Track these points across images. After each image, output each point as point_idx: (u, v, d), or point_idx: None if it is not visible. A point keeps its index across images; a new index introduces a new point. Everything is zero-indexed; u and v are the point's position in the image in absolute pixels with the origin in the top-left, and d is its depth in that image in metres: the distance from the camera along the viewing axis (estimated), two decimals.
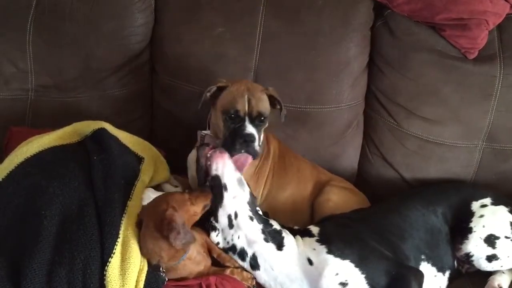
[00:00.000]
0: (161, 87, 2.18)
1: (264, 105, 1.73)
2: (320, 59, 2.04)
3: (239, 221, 1.60)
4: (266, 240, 1.61)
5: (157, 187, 1.80)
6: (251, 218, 1.62)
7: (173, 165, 1.95)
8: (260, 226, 1.63)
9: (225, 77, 1.79)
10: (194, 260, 1.55)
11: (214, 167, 1.60)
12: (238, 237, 1.60)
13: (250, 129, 1.67)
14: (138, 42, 2.13)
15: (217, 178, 1.60)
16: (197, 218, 1.53)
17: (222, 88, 1.75)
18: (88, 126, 1.76)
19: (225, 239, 1.61)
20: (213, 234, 1.61)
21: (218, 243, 1.62)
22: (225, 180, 1.60)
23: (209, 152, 1.61)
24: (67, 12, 2.07)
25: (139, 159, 1.79)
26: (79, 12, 2.07)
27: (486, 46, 2.01)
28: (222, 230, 1.61)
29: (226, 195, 1.59)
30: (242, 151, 1.67)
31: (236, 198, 1.61)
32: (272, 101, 1.79)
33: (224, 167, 1.60)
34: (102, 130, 1.73)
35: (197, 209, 1.51)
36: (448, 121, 2.04)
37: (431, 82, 2.02)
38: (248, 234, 1.61)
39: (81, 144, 1.71)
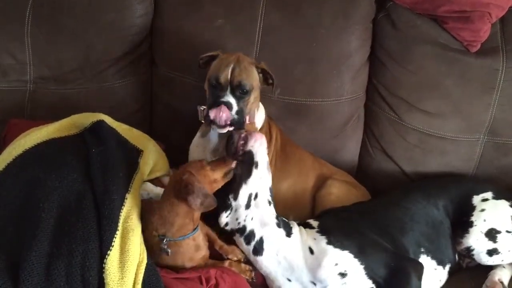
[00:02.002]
0: (160, 79, 2.17)
1: (248, 76, 1.71)
2: (321, 52, 2.02)
3: (258, 201, 1.60)
4: (278, 225, 1.62)
5: (156, 180, 1.79)
6: (269, 203, 1.63)
7: (172, 158, 1.94)
8: (275, 213, 1.64)
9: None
10: (196, 243, 1.56)
11: (251, 143, 1.60)
12: (252, 219, 1.60)
13: (229, 98, 1.67)
14: (138, 33, 2.11)
15: (250, 154, 1.59)
16: (218, 186, 1.54)
17: (214, 57, 1.77)
18: (86, 118, 1.75)
19: (236, 219, 1.60)
20: (224, 215, 1.60)
21: (226, 224, 1.61)
22: (258, 158, 1.60)
23: (246, 133, 1.63)
24: (66, 3, 2.05)
25: (138, 152, 1.78)
26: (78, 3, 2.05)
27: (488, 39, 1.99)
28: (236, 209, 1.59)
29: (255, 172, 1.59)
30: (222, 119, 1.66)
31: (262, 180, 1.61)
32: (265, 76, 1.79)
33: (260, 146, 1.61)
34: (101, 123, 1.72)
35: (217, 175, 1.52)
36: (449, 115, 2.03)
37: (433, 75, 2.00)
38: (263, 215, 1.60)
39: (80, 137, 1.70)
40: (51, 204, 1.44)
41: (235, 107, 1.67)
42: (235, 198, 1.59)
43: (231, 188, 1.58)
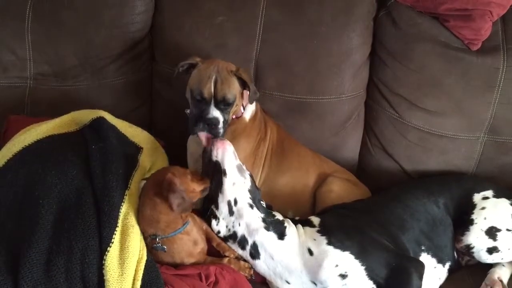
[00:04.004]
0: (161, 75, 2.16)
1: (230, 89, 1.72)
2: (322, 49, 2.01)
3: (239, 208, 1.61)
4: (267, 228, 1.61)
5: None
6: (251, 206, 1.63)
7: (172, 155, 1.94)
8: (261, 215, 1.63)
9: (199, 56, 1.80)
10: (192, 237, 1.56)
11: (214, 153, 1.63)
12: (239, 224, 1.61)
13: (214, 113, 1.69)
14: (138, 30, 2.11)
15: (217, 164, 1.62)
16: (195, 197, 1.55)
17: (194, 65, 1.77)
18: (86, 115, 1.76)
19: (226, 226, 1.62)
20: (214, 223, 1.61)
21: (219, 232, 1.62)
22: (225, 166, 1.62)
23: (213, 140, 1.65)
24: None
25: (138, 149, 1.79)
26: (79, 0, 2.05)
27: (489, 38, 1.99)
28: (223, 218, 1.61)
29: (225, 180, 1.61)
30: (205, 131, 1.69)
31: (236, 185, 1.62)
32: (243, 82, 1.77)
33: (224, 153, 1.63)
34: (101, 119, 1.72)
35: (196, 187, 1.54)
36: (450, 113, 2.02)
37: (434, 73, 2.00)
38: (248, 222, 1.61)
39: (80, 133, 1.70)
40: (51, 200, 1.44)
41: (221, 120, 1.69)
42: (217, 208, 1.61)
43: (212, 199, 1.62)
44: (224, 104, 1.71)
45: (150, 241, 1.50)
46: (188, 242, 1.55)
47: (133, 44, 2.12)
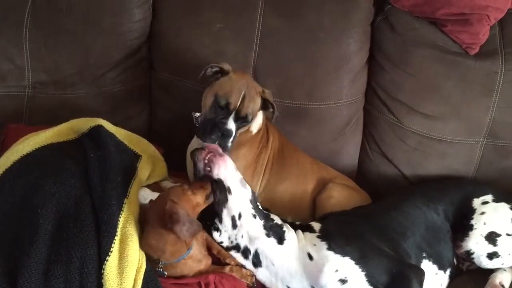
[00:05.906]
0: (159, 83, 2.17)
1: (254, 109, 1.74)
2: (320, 55, 2.02)
3: (243, 221, 1.60)
4: (267, 235, 1.61)
5: (155, 185, 1.79)
6: (254, 216, 1.62)
7: (172, 163, 1.94)
8: (262, 222, 1.63)
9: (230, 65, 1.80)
10: (195, 259, 1.55)
11: (216, 171, 1.59)
12: (242, 236, 1.60)
13: (231, 125, 1.68)
14: (136, 38, 2.11)
15: (220, 182, 1.59)
16: (200, 209, 1.53)
17: (224, 72, 1.76)
18: (85, 123, 1.75)
19: (229, 238, 1.61)
20: (216, 234, 1.61)
21: (221, 242, 1.62)
22: (229, 183, 1.60)
23: (209, 155, 1.60)
24: (65, 7, 2.05)
25: (137, 157, 1.78)
26: (77, 8, 2.05)
27: (487, 42, 2.00)
28: (226, 230, 1.61)
29: (230, 198, 1.59)
30: (216, 142, 1.68)
31: (240, 199, 1.61)
32: (266, 104, 1.80)
33: (226, 169, 1.60)
34: (99, 127, 1.71)
35: (199, 199, 1.52)
36: (449, 118, 2.03)
37: (432, 78, 2.00)
38: (250, 231, 1.60)
39: (78, 141, 1.70)
40: (49, 209, 1.43)
41: (233, 135, 1.69)
42: (221, 222, 1.60)
43: (215, 211, 1.60)
44: (243, 121, 1.72)
45: (153, 264, 1.48)
46: (192, 264, 1.54)
47: (131, 52, 2.12)
